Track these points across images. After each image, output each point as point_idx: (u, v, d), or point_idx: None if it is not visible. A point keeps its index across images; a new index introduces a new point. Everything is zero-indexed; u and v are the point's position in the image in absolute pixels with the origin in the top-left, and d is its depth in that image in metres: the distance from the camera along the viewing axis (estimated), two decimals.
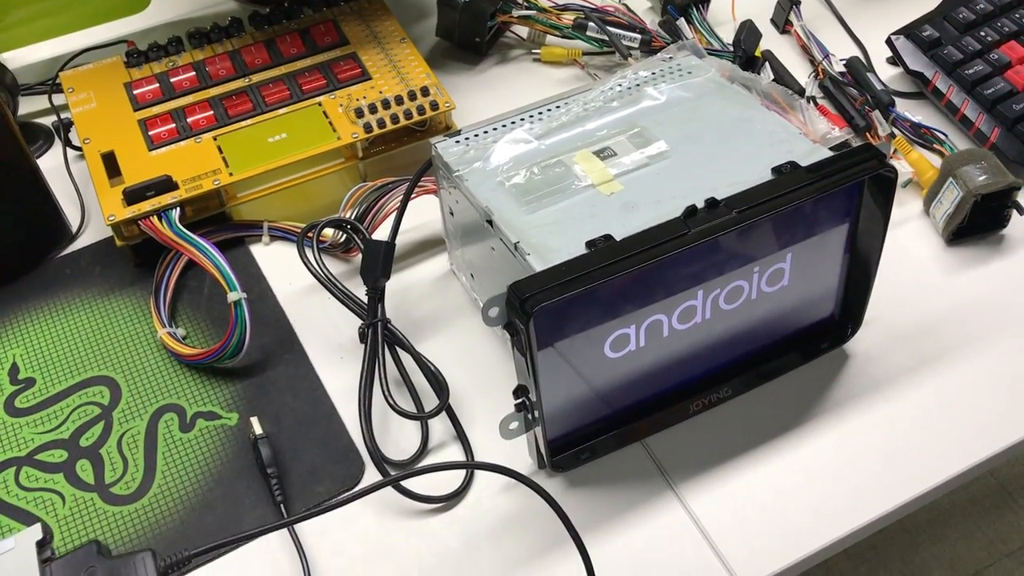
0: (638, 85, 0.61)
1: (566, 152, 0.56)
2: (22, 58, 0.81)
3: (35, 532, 0.42)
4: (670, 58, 0.63)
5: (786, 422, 0.58)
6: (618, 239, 0.50)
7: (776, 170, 0.52)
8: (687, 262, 0.51)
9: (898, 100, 0.73)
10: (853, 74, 0.74)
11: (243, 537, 0.53)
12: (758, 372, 0.59)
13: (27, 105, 0.77)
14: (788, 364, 0.60)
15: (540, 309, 0.46)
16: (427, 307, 0.64)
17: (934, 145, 0.70)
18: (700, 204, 0.50)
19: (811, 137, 0.56)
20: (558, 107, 0.60)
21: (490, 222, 0.54)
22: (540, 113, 0.60)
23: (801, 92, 0.74)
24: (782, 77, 0.75)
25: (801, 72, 0.77)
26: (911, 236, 0.67)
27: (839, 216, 0.55)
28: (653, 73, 0.62)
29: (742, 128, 0.57)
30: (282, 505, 0.54)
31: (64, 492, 0.56)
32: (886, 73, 0.77)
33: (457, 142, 0.58)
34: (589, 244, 0.50)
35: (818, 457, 0.56)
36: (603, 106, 0.59)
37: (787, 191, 0.51)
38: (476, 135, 0.59)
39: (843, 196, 0.54)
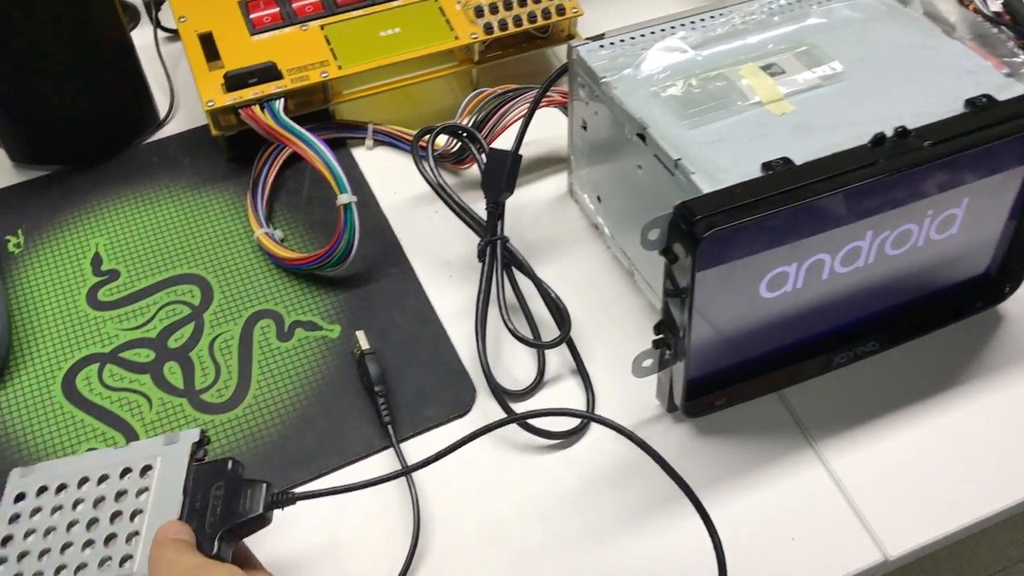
0: (809, 2, 0.55)
1: (728, 66, 0.51)
2: None
3: (195, 434, 0.42)
4: None
5: (934, 383, 0.53)
6: (797, 163, 0.44)
7: (970, 103, 0.47)
8: (867, 195, 0.46)
9: None
10: (1011, 13, 0.68)
11: (350, 462, 0.49)
12: (907, 326, 0.54)
13: None
14: (939, 320, 0.55)
15: (712, 234, 0.41)
16: (541, 230, 0.59)
17: None
18: (887, 132, 0.45)
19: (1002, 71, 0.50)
20: (712, 17, 0.54)
21: (642, 136, 0.48)
22: (693, 22, 0.54)
23: (950, 30, 0.68)
24: (931, 13, 0.68)
25: (951, 10, 0.70)
26: None
27: (1019, 160, 0.50)
28: None
29: (923, 55, 0.51)
30: (390, 427, 0.50)
31: (151, 395, 0.52)
32: None
33: (601, 46, 0.53)
34: (765, 166, 0.44)
35: (969, 424, 0.51)
36: (765, 20, 0.54)
37: (985, 126, 0.45)
38: (622, 40, 0.53)
39: None
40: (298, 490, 0.42)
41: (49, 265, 0.57)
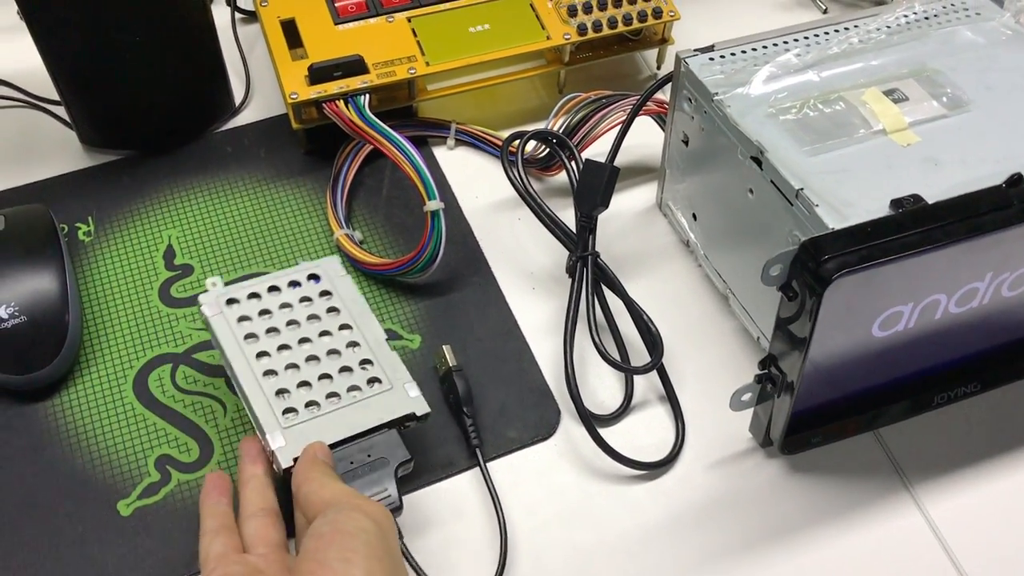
0: (926, 18, 0.52)
1: (848, 89, 0.48)
2: None
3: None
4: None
5: None
6: (928, 201, 0.42)
7: None
8: (996, 238, 0.43)
9: None
10: None
11: (433, 480, 0.48)
12: (1012, 367, 0.52)
13: None
14: None
15: (841, 276, 0.39)
16: (628, 244, 0.57)
17: None
18: (1022, 172, 0.43)
19: None
20: (827, 34, 0.52)
21: (757, 160, 0.46)
22: (807, 38, 0.52)
23: None
24: None
25: None
26: None
27: None
28: (936, 10, 0.53)
29: None
30: (479, 450, 0.48)
31: (226, 400, 0.50)
32: None
33: (711, 59, 0.50)
34: (895, 203, 0.42)
35: None
36: (884, 40, 0.51)
37: None
38: (732, 54, 0.51)
39: None
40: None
41: (121, 256, 0.55)
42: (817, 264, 0.40)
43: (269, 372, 0.46)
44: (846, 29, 0.52)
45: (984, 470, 0.49)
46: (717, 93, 0.48)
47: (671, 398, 0.51)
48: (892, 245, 0.40)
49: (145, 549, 0.45)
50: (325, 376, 0.46)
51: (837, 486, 0.49)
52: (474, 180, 0.59)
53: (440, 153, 0.61)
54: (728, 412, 0.50)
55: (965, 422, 0.51)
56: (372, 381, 0.47)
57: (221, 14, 0.65)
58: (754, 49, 0.51)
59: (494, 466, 0.49)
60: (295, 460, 0.43)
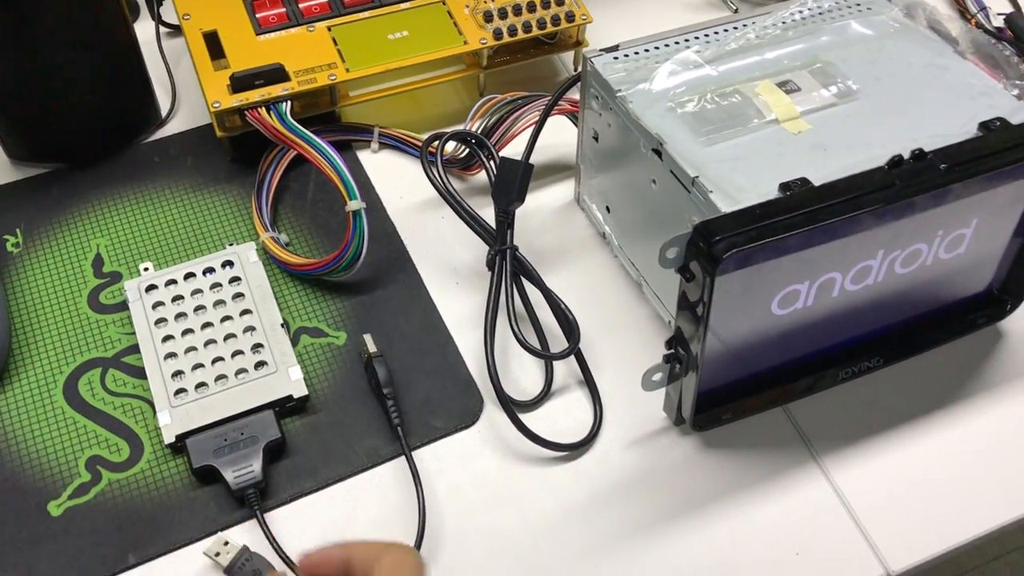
0: (819, 13, 0.55)
1: (743, 82, 0.51)
2: None
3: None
4: None
5: (937, 399, 0.54)
6: (815, 184, 0.45)
7: (984, 126, 0.47)
8: (882, 217, 0.46)
9: None
10: (1013, 29, 0.68)
11: (357, 471, 0.49)
12: (911, 343, 0.54)
13: None
14: (942, 336, 0.55)
15: (732, 255, 0.41)
16: (548, 238, 0.59)
17: None
18: (903, 155, 0.45)
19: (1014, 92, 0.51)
20: (726, 31, 0.54)
21: (658, 152, 0.48)
22: (707, 35, 0.54)
23: (955, 45, 0.68)
24: (935, 28, 0.69)
25: (954, 25, 0.71)
26: None
27: None
28: (829, 5, 0.56)
29: (936, 76, 0.52)
30: (399, 428, 0.49)
31: (153, 401, 0.51)
32: None
33: (615, 58, 0.53)
34: (783, 186, 0.44)
35: (971, 440, 0.52)
36: (779, 35, 0.54)
37: (1000, 150, 0.46)
38: (636, 52, 0.53)
39: None
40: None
41: (49, 266, 0.56)
42: (709, 245, 0.42)
43: (170, 355, 0.51)
44: (744, 26, 0.55)
45: (886, 440, 0.52)
46: (620, 90, 0.51)
47: (589, 382, 0.53)
48: (779, 225, 0.42)
49: (76, 548, 0.46)
50: (218, 359, 0.51)
51: (748, 459, 0.51)
52: (398, 181, 0.61)
53: (364, 156, 0.62)
54: (644, 394, 0.52)
55: (869, 396, 0.54)
56: (260, 365, 0.51)
57: (147, 28, 0.67)
58: (656, 47, 0.54)
59: (420, 454, 0.50)
60: (177, 436, 0.48)
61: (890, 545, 0.48)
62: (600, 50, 0.53)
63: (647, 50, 0.53)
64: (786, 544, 0.48)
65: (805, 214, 0.43)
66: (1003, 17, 0.70)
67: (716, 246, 0.42)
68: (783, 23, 0.54)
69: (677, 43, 0.54)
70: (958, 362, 0.55)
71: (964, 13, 0.72)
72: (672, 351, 0.48)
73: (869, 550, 0.48)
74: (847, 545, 0.49)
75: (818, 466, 0.51)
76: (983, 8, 0.70)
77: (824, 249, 0.46)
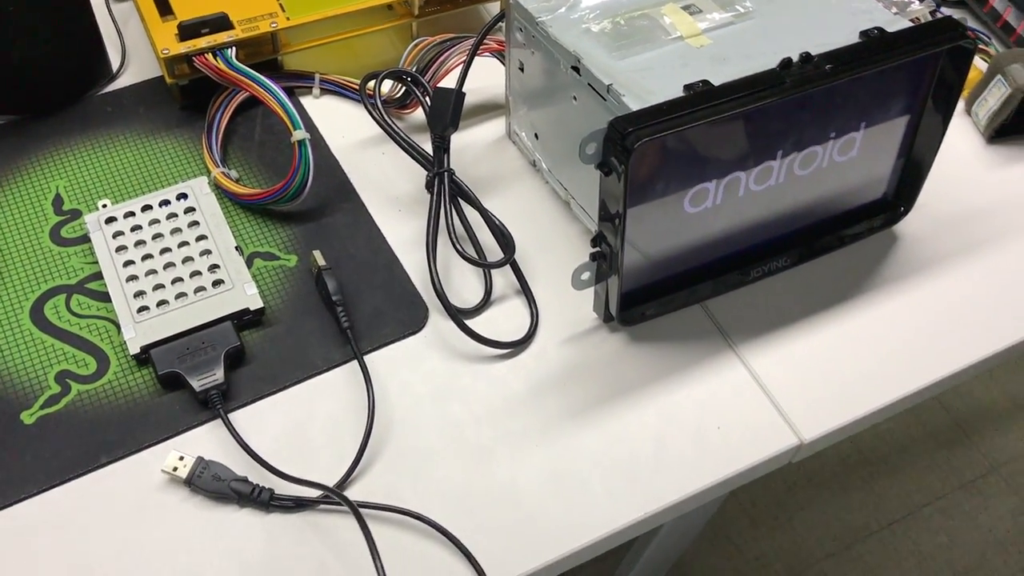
0: None
1: (651, 6, 0.56)
2: None
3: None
4: None
5: (840, 294, 0.59)
6: (715, 84, 0.50)
7: (864, 34, 0.53)
8: (777, 116, 0.51)
9: (944, 9, 0.75)
10: None
11: (313, 374, 0.53)
12: (815, 245, 0.60)
13: None
14: (844, 239, 0.61)
15: (642, 145, 0.46)
16: (484, 168, 0.64)
17: (979, 46, 0.71)
18: (793, 58, 0.51)
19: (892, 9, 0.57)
20: None
21: (576, 68, 0.53)
22: None
23: None
24: None
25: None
26: (952, 135, 0.69)
27: (913, 87, 0.56)
28: None
29: None
30: (349, 331, 0.53)
31: (118, 320, 0.54)
32: None
33: None
34: (687, 88, 0.50)
35: (871, 327, 0.58)
36: None
37: (878, 52, 0.52)
38: None
39: (921, 64, 0.55)
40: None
41: (11, 207, 0.59)
42: (622, 136, 0.47)
43: (132, 277, 0.54)
44: None
45: (796, 329, 0.57)
46: (540, 16, 0.56)
47: (525, 289, 0.57)
48: (684, 118, 0.47)
49: (50, 451, 0.49)
50: (178, 279, 0.55)
51: (672, 350, 0.56)
52: (341, 123, 0.65)
53: (307, 102, 0.66)
54: (576, 298, 0.57)
55: (780, 292, 0.59)
56: (217, 283, 0.55)
57: None
58: None
59: (371, 358, 0.54)
60: (142, 348, 0.52)
61: (802, 418, 0.54)
62: None
63: None
64: (708, 421, 0.53)
65: (706, 108, 0.48)
66: None
67: (629, 136, 0.47)
68: None
69: None
70: (858, 262, 0.61)
71: None
72: (598, 249, 0.53)
73: (784, 423, 0.54)
74: (764, 420, 0.54)
75: (735, 354, 0.56)
76: None
77: (726, 145, 0.51)
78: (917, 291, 0.59)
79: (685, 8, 0.56)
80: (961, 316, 0.58)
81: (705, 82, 0.50)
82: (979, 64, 0.70)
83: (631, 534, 0.51)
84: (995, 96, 0.66)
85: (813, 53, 0.51)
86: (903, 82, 0.55)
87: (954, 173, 0.66)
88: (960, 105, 0.70)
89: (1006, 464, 1.47)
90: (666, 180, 0.51)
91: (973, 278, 0.60)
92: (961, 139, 0.69)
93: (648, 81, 0.51)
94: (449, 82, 0.62)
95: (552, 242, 0.60)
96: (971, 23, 0.74)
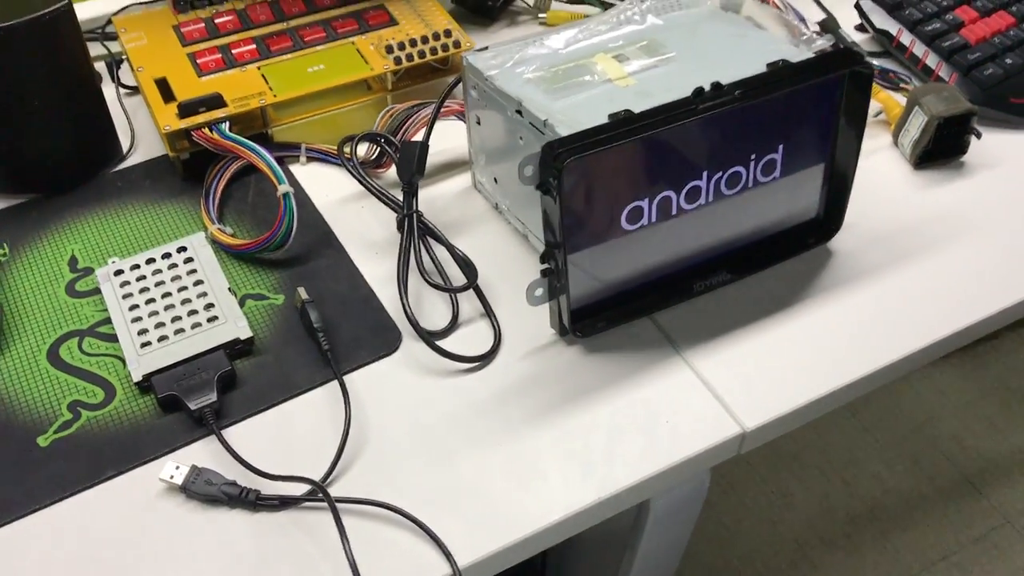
0: (648, 14, 0.69)
1: (585, 58, 0.64)
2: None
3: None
4: None
5: (779, 303, 0.65)
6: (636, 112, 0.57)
7: (770, 65, 0.60)
8: (694, 137, 0.58)
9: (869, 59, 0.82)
10: (826, 30, 0.83)
11: (296, 394, 0.59)
12: (754, 260, 0.66)
13: None
14: (780, 255, 0.67)
15: (572, 161, 0.53)
16: (452, 214, 0.71)
17: (900, 86, 0.79)
18: (705, 87, 0.58)
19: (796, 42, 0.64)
20: (577, 28, 0.68)
21: (520, 111, 0.61)
22: (559, 32, 0.67)
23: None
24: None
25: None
26: (883, 163, 0.75)
27: (823, 111, 0.63)
28: (659, 7, 0.70)
29: (738, 41, 0.65)
30: (329, 353, 0.60)
31: (124, 355, 0.61)
32: (855, 38, 0.86)
33: (485, 56, 0.66)
34: (611, 116, 0.57)
35: (807, 330, 0.63)
36: (617, 24, 0.67)
37: (780, 79, 0.59)
38: (503, 49, 0.66)
39: (826, 90, 0.61)
40: None
41: (32, 268, 0.67)
42: (554, 155, 0.54)
43: (136, 319, 0.61)
44: (590, 22, 0.68)
45: (738, 336, 0.63)
46: (488, 72, 0.64)
47: (488, 311, 0.64)
48: (606, 139, 0.54)
49: (62, 468, 0.55)
50: (177, 318, 0.62)
51: (623, 359, 0.61)
52: (324, 185, 0.73)
53: (295, 168, 0.74)
54: (537, 318, 0.63)
55: (723, 303, 0.64)
56: (212, 319, 0.61)
57: (109, 90, 0.80)
58: (520, 46, 0.67)
59: (349, 378, 0.60)
60: (144, 376, 0.58)
61: (744, 410, 0.59)
62: (475, 50, 0.66)
63: (517, 51, 0.66)
64: (658, 416, 0.58)
65: (627, 130, 0.55)
66: (817, 23, 0.84)
67: (560, 156, 0.54)
68: (618, 18, 0.68)
69: (535, 41, 0.67)
70: (796, 275, 0.66)
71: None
72: (547, 265, 0.59)
73: (727, 415, 0.58)
74: (709, 413, 0.58)
75: (682, 359, 0.62)
76: (802, 19, 0.85)
77: (651, 165, 0.58)
78: (849, 298, 0.65)
79: (615, 57, 0.64)
80: (888, 319, 0.64)
81: (627, 111, 0.57)
82: (902, 100, 0.77)
83: (589, 519, 0.55)
84: (915, 125, 0.73)
85: (724, 83, 0.58)
86: (812, 107, 0.62)
87: (885, 196, 0.73)
88: (888, 140, 0.77)
89: (1020, 516, 1.47)
90: (600, 198, 0.57)
91: (900, 285, 0.66)
92: (891, 167, 0.75)
93: (579, 115, 0.58)
94: (418, 138, 0.70)
95: (514, 272, 0.66)
96: (896, 67, 0.82)
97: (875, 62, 0.81)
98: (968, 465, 1.54)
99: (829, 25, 0.83)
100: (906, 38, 0.81)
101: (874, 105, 0.77)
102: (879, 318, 0.64)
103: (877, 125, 0.78)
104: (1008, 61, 0.79)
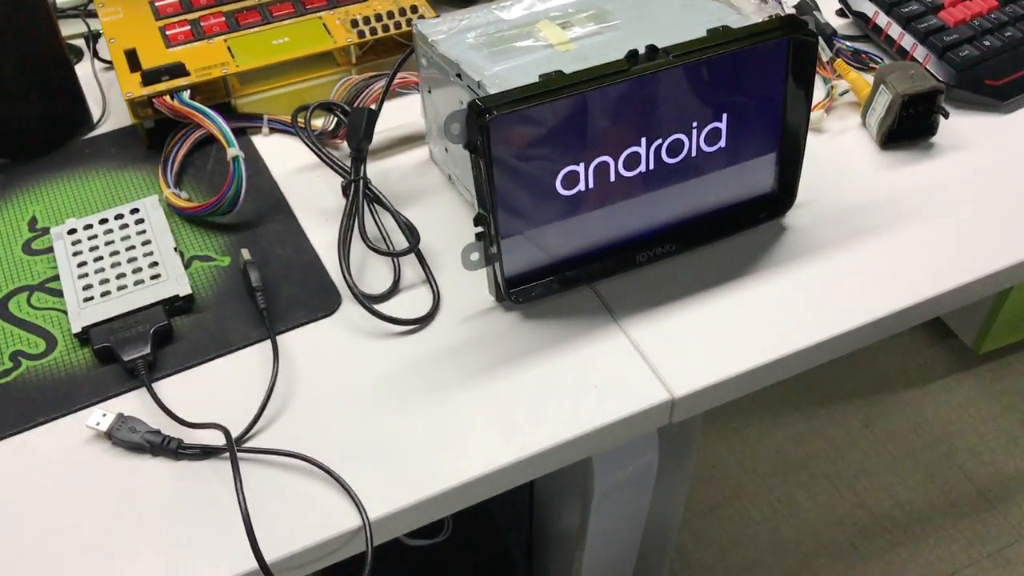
0: None
1: (529, 24, 0.64)
2: None
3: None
4: None
5: (725, 276, 0.64)
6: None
7: (710, 30, 0.60)
8: (629, 101, 0.58)
9: (844, 40, 0.81)
10: (801, 12, 0.82)
11: (231, 350, 0.60)
12: (701, 233, 0.65)
13: (64, 28, 0.85)
14: (729, 229, 0.66)
15: (496, 118, 0.53)
16: (407, 184, 0.71)
17: (871, 65, 0.77)
18: (640, 51, 0.58)
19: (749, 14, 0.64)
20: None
21: (459, 75, 0.61)
22: (512, 3, 0.68)
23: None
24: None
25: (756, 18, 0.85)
26: (849, 143, 0.74)
27: (767, 82, 0.62)
28: None
29: (686, 11, 0.65)
30: (265, 312, 0.60)
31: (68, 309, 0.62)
32: (835, 22, 0.85)
33: (437, 25, 0.66)
34: (542, 76, 0.57)
35: (750, 304, 0.62)
36: None
37: (718, 43, 0.58)
38: (455, 19, 0.67)
39: (769, 59, 0.61)
40: None
41: None
42: (479, 113, 0.54)
43: (83, 275, 0.62)
44: None
45: (679, 307, 0.62)
46: (432, 38, 0.64)
47: (428, 275, 0.64)
48: (532, 98, 0.54)
49: None
50: (121, 275, 0.63)
51: (559, 325, 0.61)
52: (284, 155, 0.74)
53: (258, 140, 0.75)
54: (478, 285, 0.63)
55: (666, 275, 0.64)
56: (155, 276, 0.62)
57: (88, 67, 0.82)
58: (471, 15, 0.67)
59: (285, 337, 0.61)
60: (83, 328, 0.59)
61: (675, 378, 0.58)
62: (426, 20, 0.67)
63: (464, 19, 0.67)
64: (586, 381, 0.58)
65: (554, 90, 0.55)
66: (793, 5, 0.83)
67: (484, 113, 0.54)
68: None
69: (486, 9, 0.67)
70: (745, 249, 0.66)
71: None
72: (482, 229, 0.59)
73: (657, 382, 0.58)
74: (639, 379, 0.58)
75: (619, 327, 0.61)
76: (780, 1, 0.84)
77: (583, 129, 0.57)
78: (796, 273, 0.64)
79: (560, 25, 0.64)
80: (833, 295, 0.62)
81: (559, 72, 0.57)
82: (870, 79, 0.76)
83: (507, 480, 0.55)
84: (881, 104, 0.72)
85: (659, 47, 0.58)
86: (757, 76, 0.61)
87: (849, 174, 0.71)
88: (857, 120, 0.76)
89: None
90: (530, 159, 0.57)
91: (849, 262, 0.64)
92: (857, 147, 0.74)
93: (514, 77, 0.58)
94: None
95: (462, 240, 0.66)
96: (871, 49, 0.81)
97: (850, 43, 0.80)
98: (985, 480, 1.50)
99: (803, 6, 0.82)
100: (882, 20, 0.80)
101: (843, 84, 0.76)
102: (824, 294, 0.62)
103: (847, 106, 0.77)
104: (986, 43, 0.77)
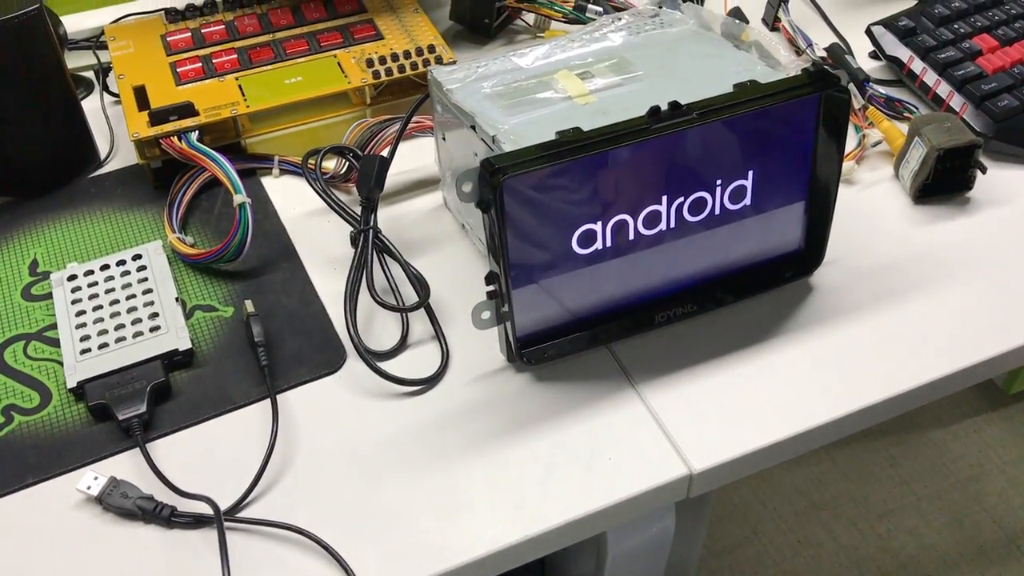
0: (623, 31, 0.66)
1: (548, 74, 0.61)
2: (76, 23, 0.88)
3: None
4: (654, 16, 0.69)
5: (748, 339, 0.61)
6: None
7: (737, 85, 0.57)
8: (650, 159, 0.55)
9: (876, 86, 0.78)
10: (833, 57, 0.79)
11: (229, 410, 0.57)
12: (723, 293, 0.62)
13: (74, 60, 0.84)
14: (753, 288, 0.63)
15: (509, 179, 0.51)
16: (419, 232, 0.69)
17: (904, 114, 0.74)
18: (663, 107, 0.55)
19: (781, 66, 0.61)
20: (548, 46, 0.66)
21: (474, 127, 0.59)
22: (531, 49, 0.65)
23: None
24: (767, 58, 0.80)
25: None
26: (881, 196, 0.71)
27: (797, 137, 0.59)
28: (638, 24, 0.67)
29: (712, 61, 0.62)
30: (266, 369, 0.58)
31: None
32: (867, 65, 0.82)
33: (452, 71, 0.64)
34: (559, 133, 0.54)
35: (774, 370, 0.59)
36: (589, 42, 0.65)
37: (745, 100, 0.55)
38: (469, 65, 0.64)
39: (799, 115, 0.58)
40: None
41: None
42: (491, 173, 0.51)
43: (80, 325, 0.60)
44: (562, 39, 0.66)
45: (699, 372, 0.59)
46: (448, 86, 0.62)
47: (438, 332, 0.61)
48: (549, 157, 0.52)
49: None
50: (120, 326, 0.61)
51: (573, 388, 0.58)
52: (294, 198, 0.72)
53: (267, 180, 0.73)
54: (489, 343, 0.60)
55: (687, 336, 0.61)
56: (154, 328, 0.60)
57: (97, 100, 0.80)
58: (487, 63, 0.65)
59: (287, 396, 0.58)
60: (78, 383, 0.57)
61: (695, 451, 0.55)
62: (441, 67, 0.64)
63: (479, 66, 0.64)
64: (601, 451, 0.55)
65: (571, 148, 0.52)
66: (824, 49, 0.80)
67: (496, 174, 0.51)
68: (592, 35, 0.66)
69: (505, 57, 0.65)
70: (769, 310, 0.63)
71: (795, 49, 0.82)
72: (493, 287, 0.56)
73: (676, 454, 0.55)
74: (656, 452, 0.55)
75: (636, 392, 0.58)
76: (810, 44, 0.81)
77: (601, 187, 0.55)
78: (823, 338, 0.61)
79: (580, 75, 0.61)
80: (861, 363, 0.59)
81: (576, 129, 0.54)
82: (904, 128, 0.72)
83: (515, 558, 0.52)
84: (915, 157, 0.69)
85: (683, 103, 0.55)
86: (785, 132, 0.59)
87: (880, 230, 0.68)
88: (890, 171, 0.73)
89: None
90: (547, 220, 0.54)
91: (879, 327, 0.61)
92: (890, 200, 0.71)
93: (530, 132, 0.56)
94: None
95: (474, 294, 0.63)
96: (906, 97, 0.77)
97: (883, 90, 0.77)
98: (1014, 526, 1.45)
99: (836, 52, 0.79)
100: (917, 66, 0.77)
101: (875, 134, 0.73)
102: (853, 361, 0.59)
103: (879, 156, 0.74)
104: None
